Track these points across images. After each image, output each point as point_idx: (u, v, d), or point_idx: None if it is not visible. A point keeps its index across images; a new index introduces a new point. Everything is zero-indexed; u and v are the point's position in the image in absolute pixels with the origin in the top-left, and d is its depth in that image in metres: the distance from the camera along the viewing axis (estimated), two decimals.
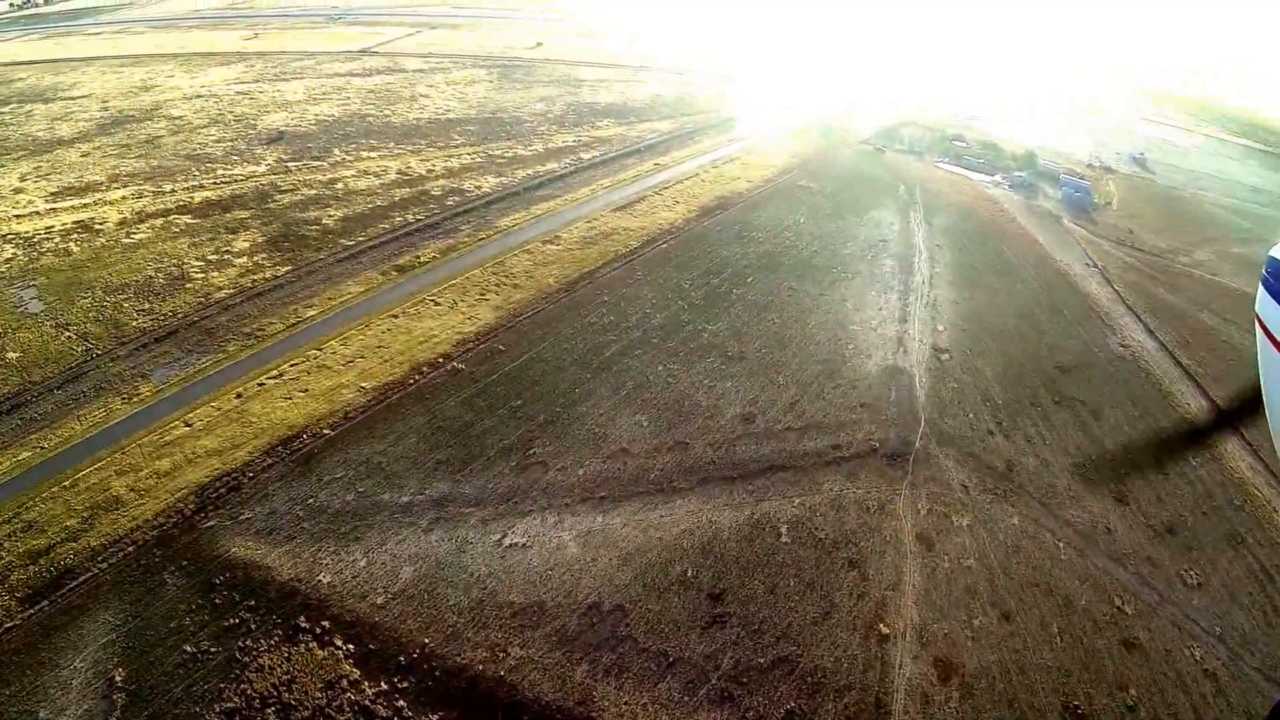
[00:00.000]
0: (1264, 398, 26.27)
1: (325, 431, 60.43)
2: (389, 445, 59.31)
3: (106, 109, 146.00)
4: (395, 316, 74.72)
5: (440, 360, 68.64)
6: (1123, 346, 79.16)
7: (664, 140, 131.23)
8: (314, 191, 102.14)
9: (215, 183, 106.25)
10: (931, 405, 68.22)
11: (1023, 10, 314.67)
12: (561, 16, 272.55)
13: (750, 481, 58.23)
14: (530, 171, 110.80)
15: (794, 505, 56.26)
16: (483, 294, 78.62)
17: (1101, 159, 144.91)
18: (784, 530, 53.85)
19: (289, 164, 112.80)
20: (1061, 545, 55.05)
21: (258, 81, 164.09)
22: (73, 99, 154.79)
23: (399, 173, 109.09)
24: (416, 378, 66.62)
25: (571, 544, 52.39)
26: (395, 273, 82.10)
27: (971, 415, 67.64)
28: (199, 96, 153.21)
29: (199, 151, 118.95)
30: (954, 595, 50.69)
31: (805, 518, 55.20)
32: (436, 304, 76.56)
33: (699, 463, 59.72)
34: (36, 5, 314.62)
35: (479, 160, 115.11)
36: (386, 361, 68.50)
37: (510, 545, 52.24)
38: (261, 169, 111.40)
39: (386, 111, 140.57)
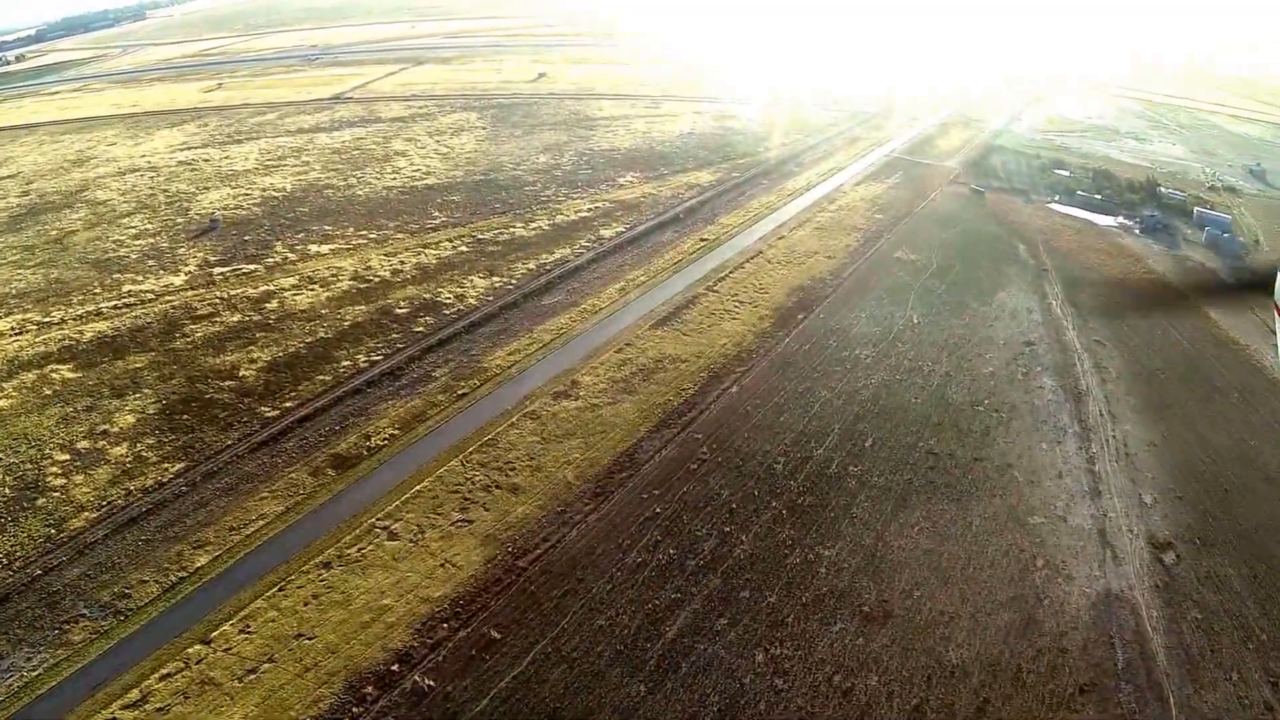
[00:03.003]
0: None
1: None
2: None
3: (27, 193, 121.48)
4: (327, 566, 45.84)
5: (395, 669, 40.25)
6: None
7: (707, 199, 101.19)
8: (238, 318, 73.47)
9: (117, 306, 78.78)
10: (1177, 667, 41.67)
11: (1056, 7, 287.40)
12: (564, 40, 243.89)
13: None
14: (533, 265, 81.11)
15: None
16: (464, 510, 49.27)
17: (1218, 175, 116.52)
18: None
19: (214, 269, 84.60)
20: None
21: (206, 146, 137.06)
22: None
23: (355, 277, 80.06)
24: (355, 710, 36.68)
25: None
26: (332, 472, 52.98)
27: (1235, 675, 41.39)
28: (134, 170, 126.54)
29: (110, 255, 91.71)
30: None
31: None
32: (392, 537, 47.48)
33: None
34: (7, 64, 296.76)
35: (464, 249, 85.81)
36: (307, 672, 40.21)
37: None
38: (179, 280, 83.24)
39: (350, 180, 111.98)
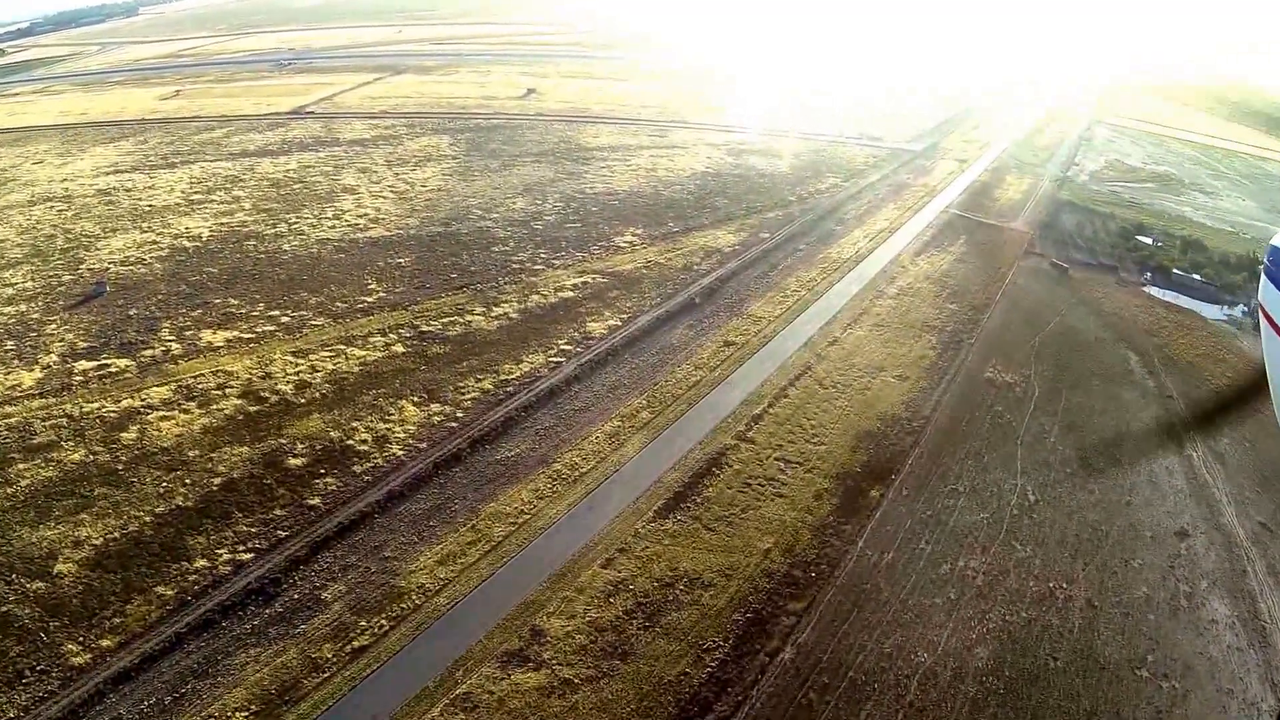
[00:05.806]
0: (1271, 385, 23.64)
1: None
2: None
3: None
4: None
5: None
6: None
7: (730, 272, 78.88)
8: (80, 455, 52.00)
9: None
10: None
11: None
12: (559, 50, 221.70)
13: None
14: (489, 385, 58.97)
15: None
16: None
17: None
18: None
19: (77, 364, 64.52)
20: None
21: (135, 170, 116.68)
22: None
23: (246, 392, 58.44)
24: None
25: None
26: None
27: None
28: (47, 200, 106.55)
29: None
30: None
31: None
32: None
33: None
34: None
35: (399, 349, 63.84)
36: None
37: None
38: (31, 379, 62.63)
39: (281, 226, 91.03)
